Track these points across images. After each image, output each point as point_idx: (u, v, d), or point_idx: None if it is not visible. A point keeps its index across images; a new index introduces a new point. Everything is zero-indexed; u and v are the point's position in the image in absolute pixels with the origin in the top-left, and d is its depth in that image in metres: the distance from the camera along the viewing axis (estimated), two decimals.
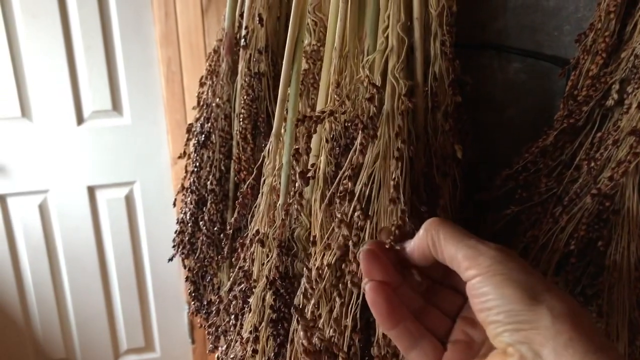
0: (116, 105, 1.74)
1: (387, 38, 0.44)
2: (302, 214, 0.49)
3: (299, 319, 0.42)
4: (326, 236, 0.44)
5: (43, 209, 1.79)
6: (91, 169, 1.77)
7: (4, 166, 1.73)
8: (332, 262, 0.43)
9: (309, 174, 0.47)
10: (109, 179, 1.79)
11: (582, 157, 0.47)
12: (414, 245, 0.37)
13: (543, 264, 0.46)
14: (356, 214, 0.42)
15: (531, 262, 0.46)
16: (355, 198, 0.43)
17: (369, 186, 0.43)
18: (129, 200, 1.83)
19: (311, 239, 0.46)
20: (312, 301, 0.43)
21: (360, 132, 0.43)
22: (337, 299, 0.42)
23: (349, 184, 0.42)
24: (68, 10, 1.62)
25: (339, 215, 0.42)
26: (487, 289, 0.32)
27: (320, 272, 0.43)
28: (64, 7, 1.62)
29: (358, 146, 0.43)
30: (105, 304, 1.91)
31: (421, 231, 0.37)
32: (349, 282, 0.42)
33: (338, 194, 0.43)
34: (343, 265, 0.42)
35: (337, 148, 0.46)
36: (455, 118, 0.49)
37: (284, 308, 0.48)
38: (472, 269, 0.33)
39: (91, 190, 1.80)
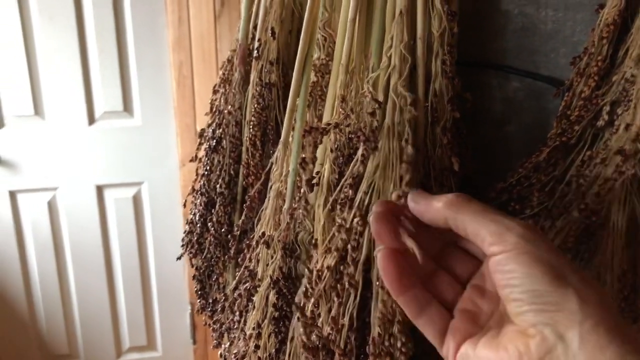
0: (127, 107, 1.77)
1: (390, 57, 0.47)
2: (306, 218, 0.52)
3: (299, 316, 0.45)
4: (327, 240, 0.47)
5: (52, 206, 1.82)
6: (100, 169, 1.80)
7: (15, 163, 1.76)
8: (332, 264, 0.46)
9: (314, 181, 0.50)
10: (117, 178, 1.82)
11: (573, 174, 0.50)
12: (425, 211, 0.36)
13: None
14: (355, 220, 0.44)
15: None
16: (356, 205, 0.45)
17: (368, 194, 0.46)
18: (137, 200, 1.86)
19: (313, 242, 0.49)
20: (312, 300, 0.46)
21: (362, 143, 0.46)
22: (336, 299, 0.45)
23: (350, 191, 0.45)
24: (84, 13, 1.66)
25: (339, 221, 0.45)
26: (512, 266, 0.31)
27: (320, 273, 0.46)
28: (80, 10, 1.66)
29: (360, 157, 0.46)
30: (110, 302, 1.94)
31: (440, 204, 0.35)
32: (346, 283, 0.45)
33: (339, 201, 0.46)
34: (342, 268, 0.45)
35: (341, 158, 0.49)
36: (454, 132, 0.52)
37: (285, 307, 0.51)
38: (496, 245, 0.32)
39: (100, 190, 1.82)
